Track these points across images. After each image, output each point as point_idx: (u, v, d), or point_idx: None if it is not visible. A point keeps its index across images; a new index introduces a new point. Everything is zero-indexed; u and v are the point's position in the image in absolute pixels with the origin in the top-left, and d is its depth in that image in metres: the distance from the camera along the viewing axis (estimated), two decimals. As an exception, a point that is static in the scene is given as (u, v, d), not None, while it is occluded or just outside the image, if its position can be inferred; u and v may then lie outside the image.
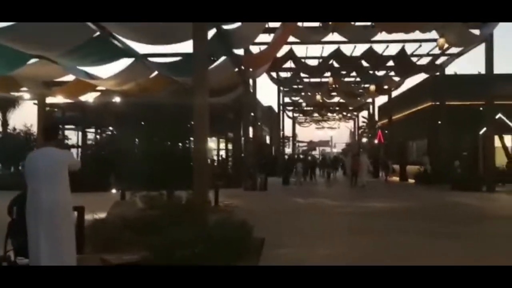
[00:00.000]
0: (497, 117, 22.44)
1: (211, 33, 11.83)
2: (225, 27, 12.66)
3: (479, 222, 10.66)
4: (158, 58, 15.63)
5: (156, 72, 15.58)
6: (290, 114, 47.39)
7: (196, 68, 9.12)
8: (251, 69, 18.09)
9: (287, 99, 39.77)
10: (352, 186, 23.10)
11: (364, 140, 51.56)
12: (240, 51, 15.71)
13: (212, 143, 28.08)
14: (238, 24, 12.50)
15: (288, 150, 66.84)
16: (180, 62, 14.04)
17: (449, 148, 23.70)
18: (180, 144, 12.60)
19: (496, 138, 21.57)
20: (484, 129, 20.83)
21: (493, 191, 18.58)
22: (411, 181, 25.40)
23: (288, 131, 52.99)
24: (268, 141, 41.32)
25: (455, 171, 22.21)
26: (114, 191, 15.23)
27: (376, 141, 40.01)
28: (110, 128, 23.08)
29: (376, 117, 41.71)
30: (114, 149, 15.80)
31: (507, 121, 23.58)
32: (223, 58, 14.89)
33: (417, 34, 19.10)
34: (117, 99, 19.59)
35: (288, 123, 51.68)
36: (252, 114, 27.31)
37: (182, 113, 12.01)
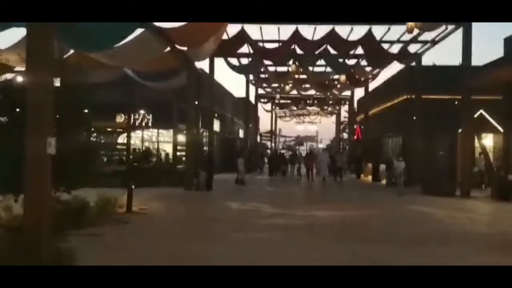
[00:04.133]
0: (477, 114, 20.04)
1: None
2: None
3: (433, 245, 8.16)
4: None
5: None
6: (268, 107, 44.99)
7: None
8: (186, 48, 15.44)
9: (262, 92, 37.37)
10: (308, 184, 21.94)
11: (345, 136, 49.39)
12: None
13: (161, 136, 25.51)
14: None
15: (273, 145, 64.96)
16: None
17: (424, 146, 21.28)
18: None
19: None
20: (462, 127, 18.36)
21: (467, 196, 16.21)
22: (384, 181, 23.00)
23: (272, 126, 50.94)
24: (242, 135, 38.61)
25: (428, 172, 19.76)
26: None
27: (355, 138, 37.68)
28: None
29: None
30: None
31: (490, 119, 21.04)
32: (139, 31, 12.27)
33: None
34: None
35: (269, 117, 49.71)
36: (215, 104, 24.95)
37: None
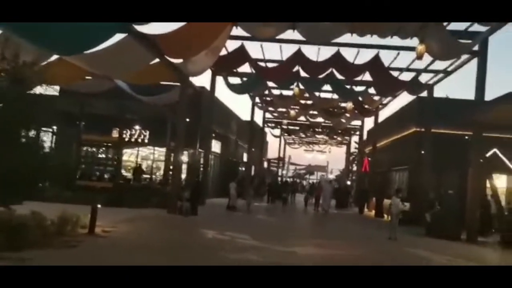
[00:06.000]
0: (490, 153, 18.55)
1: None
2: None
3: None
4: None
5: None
6: (276, 133, 43.83)
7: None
8: (176, 60, 14.44)
9: (270, 116, 36.24)
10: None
11: (355, 168, 47.81)
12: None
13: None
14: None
15: (284, 172, 63.51)
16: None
17: (431, 183, 19.79)
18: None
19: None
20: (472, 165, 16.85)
21: (474, 241, 14.66)
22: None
23: (280, 152, 49.65)
24: (245, 159, 37.38)
25: (433, 212, 18.19)
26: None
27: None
28: None
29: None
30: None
31: (504, 159, 19.46)
32: (120, 36, 11.31)
33: (395, 41, 15.62)
34: None
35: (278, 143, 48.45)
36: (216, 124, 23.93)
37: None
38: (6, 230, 7.99)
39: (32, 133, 9.10)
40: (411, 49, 15.43)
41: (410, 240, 14.16)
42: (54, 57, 13.97)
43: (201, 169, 22.33)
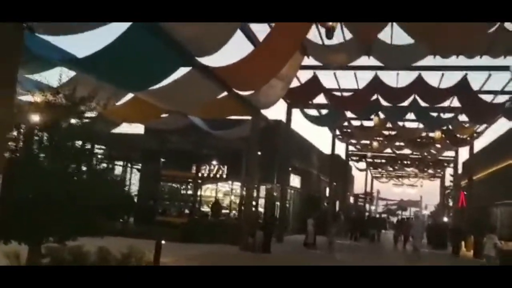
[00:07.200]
0: None
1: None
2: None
3: None
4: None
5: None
6: (361, 166, 41.96)
7: None
8: (244, 92, 14.12)
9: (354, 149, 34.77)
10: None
11: (451, 203, 44.04)
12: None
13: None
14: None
15: (373, 208, 60.63)
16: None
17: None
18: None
19: None
20: None
21: None
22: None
23: (367, 187, 47.52)
24: (328, 194, 35.99)
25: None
26: None
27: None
28: None
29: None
30: None
31: None
32: (184, 70, 11.25)
33: (485, 61, 14.08)
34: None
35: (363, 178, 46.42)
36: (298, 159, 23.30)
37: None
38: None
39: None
40: (505, 68, 13.77)
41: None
42: (129, 96, 14.43)
43: (278, 204, 21.61)
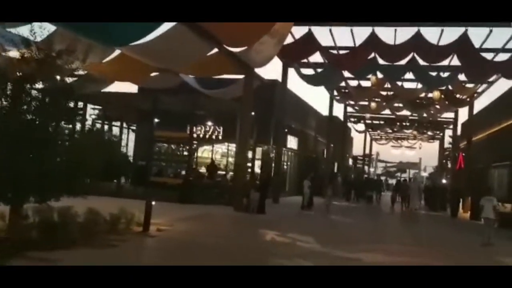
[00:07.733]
0: None
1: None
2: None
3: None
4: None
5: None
6: (360, 128, 41.56)
7: None
8: (236, 49, 13.58)
9: (352, 110, 34.27)
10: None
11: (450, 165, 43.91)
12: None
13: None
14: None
15: (372, 170, 60.69)
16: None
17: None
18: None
19: None
20: None
21: None
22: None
23: (363, 148, 47.37)
24: (325, 155, 35.74)
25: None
26: None
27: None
28: None
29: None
30: None
31: None
32: (168, 25, 10.74)
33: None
34: None
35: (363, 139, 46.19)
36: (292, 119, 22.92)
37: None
38: (42, 228, 7.69)
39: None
40: (507, 25, 13.17)
41: (507, 247, 12.01)
42: (116, 53, 13.94)
43: (273, 165, 21.40)
